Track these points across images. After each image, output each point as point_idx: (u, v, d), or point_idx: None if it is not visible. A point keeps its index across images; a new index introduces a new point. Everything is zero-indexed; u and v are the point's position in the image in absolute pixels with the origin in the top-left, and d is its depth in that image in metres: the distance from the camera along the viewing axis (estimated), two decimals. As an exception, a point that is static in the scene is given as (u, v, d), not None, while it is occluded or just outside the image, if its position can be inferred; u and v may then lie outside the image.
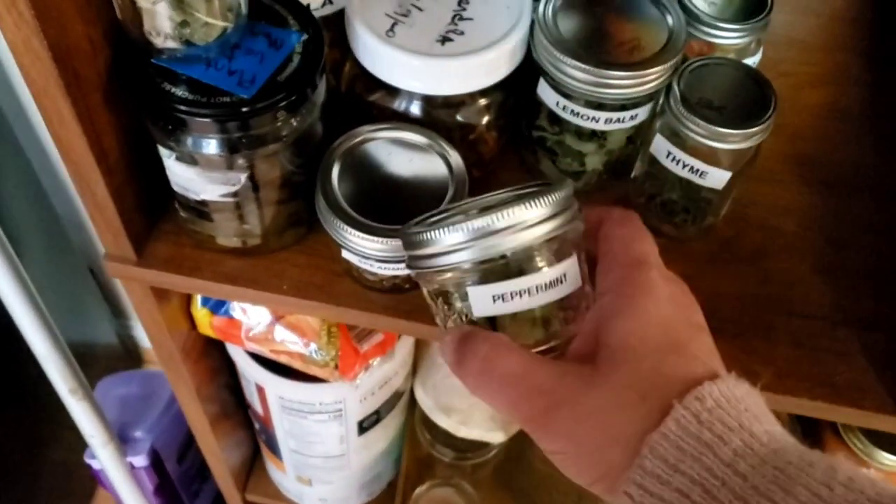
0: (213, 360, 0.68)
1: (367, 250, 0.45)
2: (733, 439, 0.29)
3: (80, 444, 0.89)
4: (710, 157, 0.47)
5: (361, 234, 0.44)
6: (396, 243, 0.44)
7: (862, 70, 0.64)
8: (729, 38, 0.51)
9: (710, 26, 0.51)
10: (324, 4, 0.48)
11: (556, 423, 0.31)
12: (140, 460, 0.93)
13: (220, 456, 0.76)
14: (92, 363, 1.27)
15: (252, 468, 0.89)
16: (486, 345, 0.34)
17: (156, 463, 0.95)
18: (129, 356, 1.36)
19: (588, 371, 0.32)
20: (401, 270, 0.47)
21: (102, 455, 0.89)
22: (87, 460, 0.94)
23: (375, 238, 0.44)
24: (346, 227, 0.44)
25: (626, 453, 0.30)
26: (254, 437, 0.85)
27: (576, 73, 0.47)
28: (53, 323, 0.75)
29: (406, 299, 0.50)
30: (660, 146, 0.49)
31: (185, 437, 0.99)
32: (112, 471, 0.91)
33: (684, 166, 0.48)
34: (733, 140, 0.46)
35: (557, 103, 0.49)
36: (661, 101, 0.49)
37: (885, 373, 0.47)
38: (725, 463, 0.28)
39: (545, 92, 0.50)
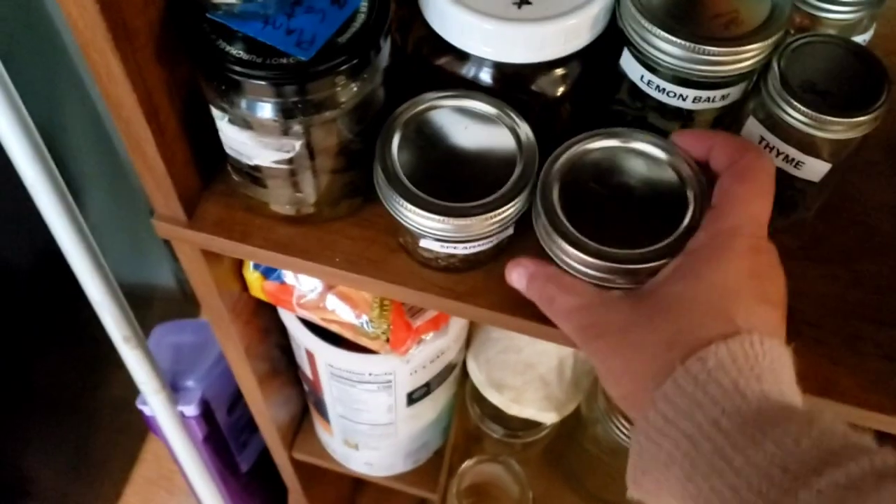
0: (265, 320, 0.67)
1: (425, 228, 0.42)
2: (723, 401, 0.31)
3: (134, 384, 0.89)
4: (809, 146, 0.42)
5: (420, 211, 0.41)
6: (457, 221, 0.42)
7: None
8: (838, 12, 0.46)
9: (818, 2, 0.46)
10: (392, -41, 0.45)
11: (598, 346, 0.37)
12: (191, 409, 0.94)
13: (267, 414, 0.76)
14: (150, 306, 1.29)
15: (300, 426, 0.89)
16: (552, 286, 0.40)
17: (206, 413, 0.96)
18: (187, 300, 1.37)
19: (636, 317, 0.36)
20: (459, 249, 0.44)
21: (154, 402, 0.89)
22: (139, 406, 0.94)
23: (435, 216, 0.41)
24: (404, 202, 0.41)
25: (644, 387, 0.34)
26: (304, 395, 0.84)
27: (665, 45, 0.42)
28: (109, 270, 0.75)
29: (462, 280, 0.47)
30: (752, 130, 0.44)
31: (235, 388, 0.99)
32: (163, 418, 0.91)
33: (778, 154, 0.43)
34: (837, 129, 0.41)
35: (642, 77, 0.45)
36: (756, 79, 0.45)
37: None
38: (711, 421, 0.31)
39: (629, 64, 0.46)
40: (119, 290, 0.77)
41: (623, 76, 0.46)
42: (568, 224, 0.40)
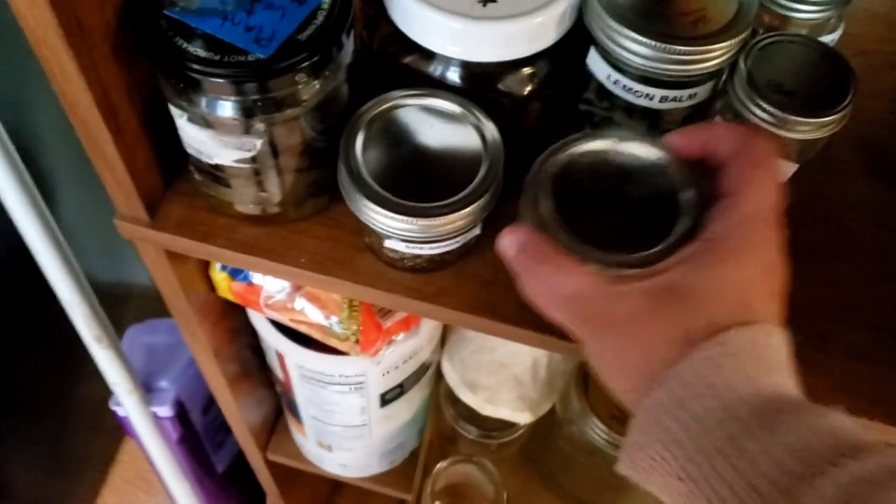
0: (235, 320, 0.66)
1: (390, 228, 0.42)
2: (741, 387, 0.31)
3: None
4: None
5: (384, 212, 0.41)
6: (422, 222, 0.41)
7: (952, 51, 0.57)
8: (806, 11, 0.46)
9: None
10: (357, -45, 0.44)
11: (603, 337, 0.34)
12: (164, 410, 0.93)
13: (239, 416, 0.75)
14: (126, 305, 1.27)
15: (275, 427, 0.88)
16: (546, 267, 0.36)
17: (180, 413, 0.95)
18: (162, 298, 1.36)
19: (647, 305, 0.33)
20: (425, 250, 0.44)
21: (127, 403, 0.88)
22: (112, 407, 0.93)
23: (399, 216, 0.41)
24: (368, 202, 0.41)
25: (652, 377, 0.32)
26: (277, 396, 0.83)
27: (631, 45, 0.42)
28: (80, 270, 0.73)
29: (429, 280, 0.46)
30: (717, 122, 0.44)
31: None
32: (136, 419, 0.90)
33: None
34: (803, 129, 0.41)
35: (609, 77, 0.45)
36: (723, 78, 0.44)
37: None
38: (725, 406, 0.30)
39: (596, 63, 0.45)
40: (90, 289, 0.76)
41: (590, 75, 0.46)
42: (564, 230, 0.37)
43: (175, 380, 0.94)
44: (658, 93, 0.44)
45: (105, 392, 0.94)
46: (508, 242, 0.38)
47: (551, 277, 0.35)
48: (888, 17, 0.59)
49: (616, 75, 0.44)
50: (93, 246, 1.12)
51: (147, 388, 0.91)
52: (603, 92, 0.46)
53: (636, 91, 0.44)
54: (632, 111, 0.46)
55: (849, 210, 0.49)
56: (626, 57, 0.43)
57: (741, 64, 0.42)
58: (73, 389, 1.18)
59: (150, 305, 1.33)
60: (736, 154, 0.36)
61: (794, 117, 0.40)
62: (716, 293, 0.33)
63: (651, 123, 0.46)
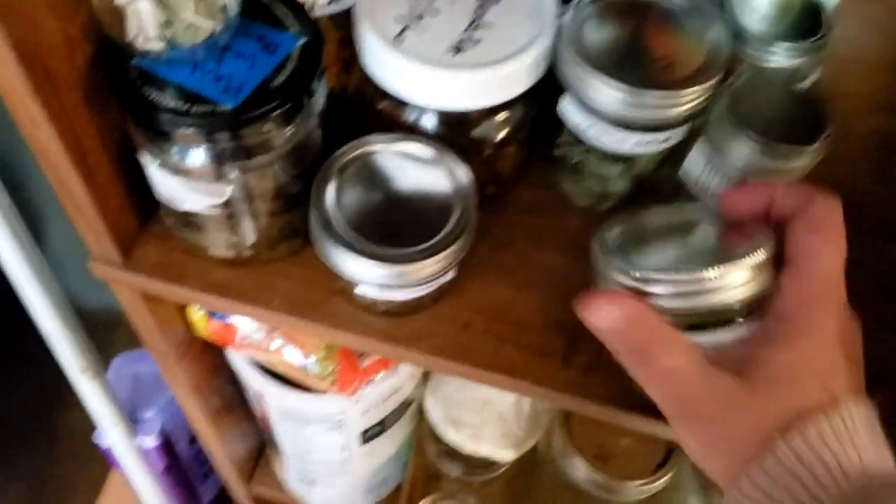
0: (215, 357, 0.66)
1: (360, 275, 0.42)
2: (825, 477, 0.30)
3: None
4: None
5: (354, 258, 0.41)
6: (393, 269, 0.41)
7: (931, 95, 0.58)
8: (780, 59, 0.46)
9: (759, 46, 0.46)
10: (330, 2, 0.44)
11: (697, 428, 0.34)
12: (150, 441, 0.92)
13: (221, 450, 0.74)
14: (114, 330, 1.27)
15: (259, 460, 0.87)
16: (655, 341, 0.34)
17: (166, 444, 0.94)
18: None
19: (739, 390, 0.33)
20: (397, 296, 0.44)
21: (111, 434, 0.87)
22: (96, 441, 0.92)
23: (370, 263, 0.41)
24: (337, 249, 0.41)
25: (741, 460, 0.32)
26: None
27: (603, 90, 0.42)
28: (67, 301, 0.73)
29: (403, 324, 0.46)
30: (694, 163, 0.44)
31: (197, 420, 0.98)
32: (121, 451, 0.89)
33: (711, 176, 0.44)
34: (778, 164, 0.41)
35: (580, 123, 0.45)
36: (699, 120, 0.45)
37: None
38: (813, 497, 0.30)
39: (568, 109, 0.45)
40: (76, 319, 0.75)
41: (563, 120, 0.46)
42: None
43: (161, 410, 0.93)
44: (632, 137, 0.44)
45: (91, 420, 0.93)
46: (608, 314, 0.34)
47: (661, 355, 0.34)
48: (867, 60, 0.60)
49: (589, 121, 0.44)
50: (81, 272, 1.12)
51: (133, 419, 0.90)
52: (577, 136, 0.46)
53: (610, 136, 0.44)
54: (606, 155, 0.46)
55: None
56: (597, 102, 0.43)
57: (721, 104, 0.42)
58: (58, 417, 1.17)
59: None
60: (796, 217, 0.35)
61: (766, 158, 0.41)
62: (795, 376, 0.33)
63: (626, 167, 0.47)
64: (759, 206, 0.36)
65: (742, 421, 0.33)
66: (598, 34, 0.43)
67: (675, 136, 0.45)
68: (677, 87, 0.42)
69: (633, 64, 0.43)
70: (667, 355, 0.33)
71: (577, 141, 0.46)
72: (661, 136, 0.45)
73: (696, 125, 0.45)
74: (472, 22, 0.43)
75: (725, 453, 0.33)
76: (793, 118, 0.43)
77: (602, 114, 0.43)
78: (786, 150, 0.41)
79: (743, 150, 0.42)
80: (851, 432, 0.32)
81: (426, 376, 0.73)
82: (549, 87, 0.45)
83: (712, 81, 0.43)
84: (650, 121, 0.43)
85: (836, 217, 0.35)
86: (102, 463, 1.31)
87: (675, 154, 0.47)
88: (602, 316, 0.34)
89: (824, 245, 0.34)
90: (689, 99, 0.43)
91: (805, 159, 0.42)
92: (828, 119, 0.43)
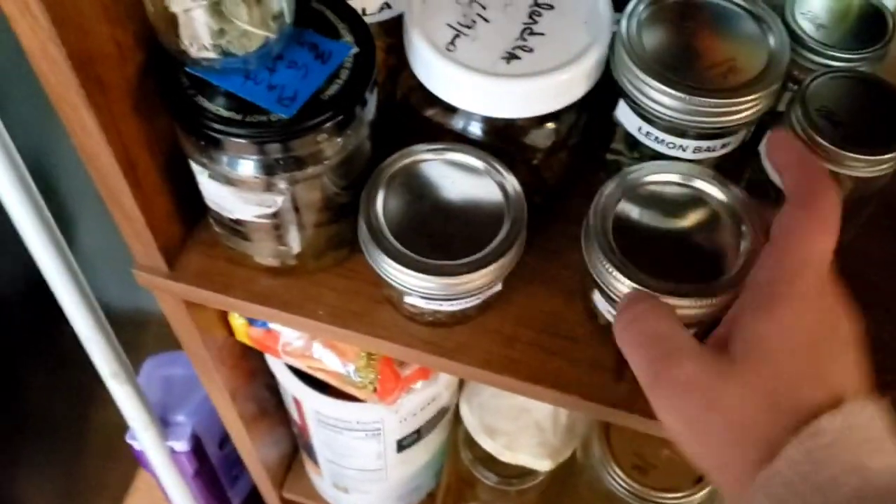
0: (253, 362, 0.65)
1: (409, 285, 0.41)
2: (848, 480, 0.28)
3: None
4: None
5: (403, 269, 0.40)
6: (441, 280, 0.40)
7: None
8: (838, 61, 0.45)
9: (817, 52, 0.45)
10: (381, 9, 0.44)
11: (682, 404, 0.32)
12: (181, 445, 0.92)
13: (255, 454, 0.74)
14: (145, 331, 1.27)
15: (291, 465, 0.87)
16: (644, 303, 0.34)
17: (196, 448, 0.94)
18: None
19: (725, 363, 0.32)
20: (444, 306, 0.43)
21: (143, 438, 0.88)
22: (129, 440, 0.93)
23: (419, 274, 0.40)
24: (387, 259, 0.40)
25: (744, 455, 0.30)
26: (294, 435, 0.82)
27: (661, 97, 0.41)
28: (98, 305, 0.73)
29: (448, 335, 0.45)
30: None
31: (227, 423, 0.97)
32: (152, 454, 0.90)
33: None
34: (856, 165, 0.40)
35: (640, 129, 0.44)
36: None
37: None
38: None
39: (625, 115, 0.44)
40: (107, 324, 0.75)
41: (618, 125, 0.45)
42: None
43: (192, 413, 0.93)
44: (691, 144, 0.43)
45: (122, 419, 0.94)
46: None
47: (675, 363, 0.32)
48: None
49: (647, 127, 0.43)
50: (112, 273, 1.12)
51: (164, 422, 0.90)
52: (632, 141, 0.45)
53: (668, 142, 0.44)
54: (661, 160, 0.45)
55: (879, 267, 0.48)
56: (655, 108, 0.42)
57: (797, 103, 0.41)
58: (90, 415, 1.17)
59: (170, 332, 1.33)
60: (793, 191, 0.34)
61: (847, 153, 0.39)
62: (784, 361, 0.31)
63: None
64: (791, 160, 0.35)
65: (733, 399, 0.31)
66: (656, 38, 0.43)
67: (734, 141, 0.44)
68: (734, 94, 0.41)
69: (691, 69, 0.42)
70: (685, 363, 0.32)
71: (632, 147, 0.46)
72: (719, 142, 0.44)
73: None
74: (525, 29, 0.42)
75: (723, 451, 0.31)
76: (873, 112, 0.42)
77: (659, 119, 0.43)
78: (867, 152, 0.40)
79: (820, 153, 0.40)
80: (866, 433, 0.30)
81: (461, 383, 0.72)
82: (601, 94, 0.45)
83: (770, 89, 0.42)
84: (708, 127, 0.42)
85: (827, 202, 0.33)
86: (131, 463, 1.32)
87: (734, 157, 0.46)
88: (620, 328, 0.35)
89: (805, 224, 0.32)
90: (747, 106, 0.42)
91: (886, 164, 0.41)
92: None
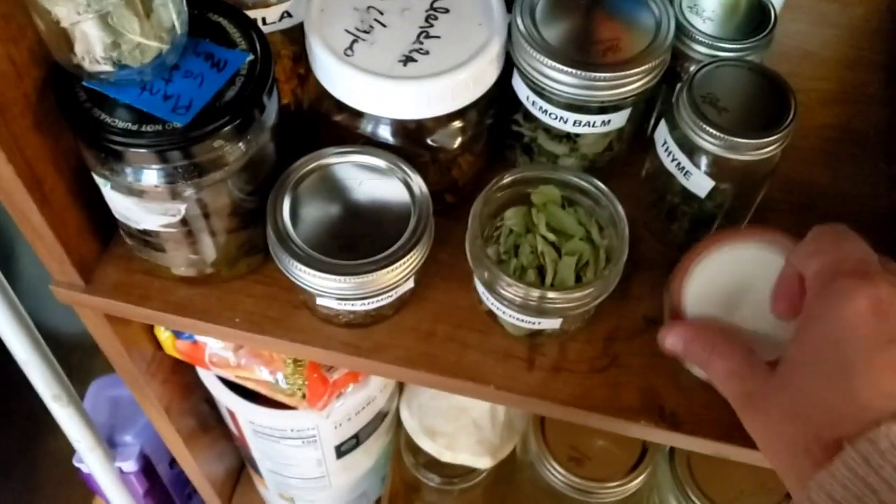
0: (186, 376, 0.66)
1: (319, 288, 0.42)
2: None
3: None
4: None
5: (312, 271, 0.41)
6: (351, 280, 0.41)
7: (881, 87, 0.59)
8: (728, 55, 0.47)
9: (706, 44, 0.47)
10: (282, 17, 0.45)
11: (751, 415, 0.38)
12: (129, 465, 0.91)
13: (198, 470, 0.74)
14: (94, 355, 1.26)
15: (240, 478, 0.87)
16: (707, 351, 0.40)
17: (146, 467, 0.93)
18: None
19: (774, 379, 0.36)
20: (357, 306, 0.44)
21: (89, 460, 0.87)
22: (76, 464, 0.92)
23: (328, 275, 0.41)
24: (296, 263, 0.41)
25: (801, 460, 0.34)
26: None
27: (543, 68, 0.44)
28: (35, 329, 0.73)
29: (366, 335, 0.46)
30: (659, 133, 0.46)
31: (177, 441, 0.97)
32: (100, 476, 0.89)
33: (673, 159, 0.45)
34: (745, 150, 0.42)
35: (528, 98, 0.46)
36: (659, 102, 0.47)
37: None
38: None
39: (518, 85, 0.46)
40: (45, 347, 0.75)
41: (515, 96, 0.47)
42: None
43: (140, 433, 0.93)
44: (572, 117, 0.45)
45: (70, 445, 0.93)
46: (673, 341, 0.41)
47: (712, 361, 0.39)
48: (818, 55, 0.61)
49: (534, 97, 0.45)
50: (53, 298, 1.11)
51: (111, 443, 0.90)
52: (527, 114, 0.47)
53: (552, 114, 0.46)
54: (551, 134, 0.47)
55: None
56: (539, 80, 0.44)
57: (683, 87, 0.43)
58: (42, 444, 1.16)
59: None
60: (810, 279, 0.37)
61: (730, 137, 0.41)
62: (834, 368, 0.34)
63: (572, 148, 0.47)
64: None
65: (790, 417, 0.35)
66: (547, 15, 0.45)
67: (616, 120, 0.46)
68: (608, 69, 0.43)
69: (574, 45, 0.44)
70: (717, 361, 0.39)
71: (528, 119, 0.48)
72: (600, 118, 0.46)
73: (660, 111, 0.46)
74: (422, 32, 0.43)
75: (784, 453, 0.35)
76: (757, 97, 0.44)
77: (546, 92, 0.45)
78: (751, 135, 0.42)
79: (706, 138, 0.42)
80: None
81: (401, 387, 0.73)
82: (506, 73, 0.46)
83: (652, 64, 0.44)
84: (590, 101, 0.44)
85: (825, 233, 0.38)
86: (86, 488, 1.31)
87: (624, 136, 0.48)
88: (668, 343, 0.42)
89: (815, 257, 0.37)
90: (629, 81, 0.44)
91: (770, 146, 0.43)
92: (792, 96, 0.43)
